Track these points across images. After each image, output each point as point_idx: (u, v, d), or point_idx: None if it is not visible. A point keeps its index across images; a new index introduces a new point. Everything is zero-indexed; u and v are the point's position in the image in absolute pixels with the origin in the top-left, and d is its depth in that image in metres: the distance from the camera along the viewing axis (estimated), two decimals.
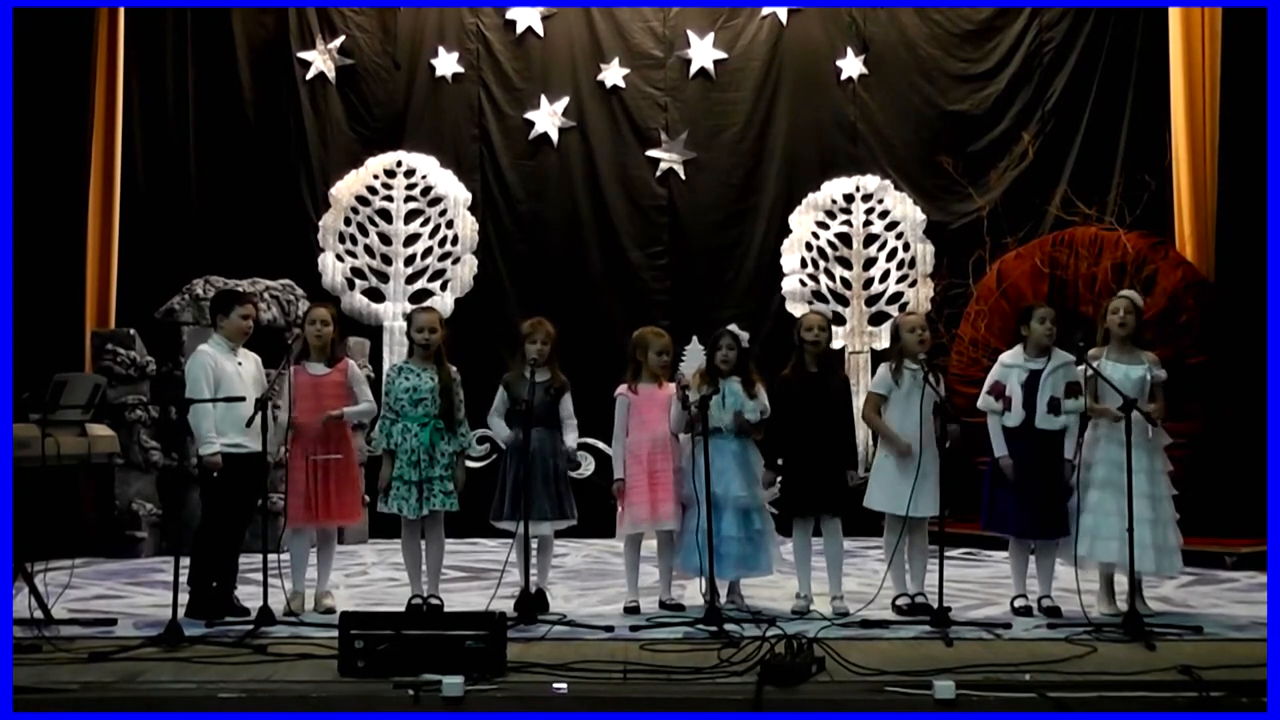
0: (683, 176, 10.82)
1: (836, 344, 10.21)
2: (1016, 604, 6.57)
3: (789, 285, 10.70)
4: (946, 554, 6.26)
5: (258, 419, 6.15)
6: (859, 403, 7.31)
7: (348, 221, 10.69)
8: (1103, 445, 6.44)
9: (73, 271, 10.00)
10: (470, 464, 6.98)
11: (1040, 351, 6.61)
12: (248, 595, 6.55)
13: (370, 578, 8.09)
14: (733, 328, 6.70)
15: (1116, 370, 6.45)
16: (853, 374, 10.45)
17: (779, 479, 6.65)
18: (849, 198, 10.81)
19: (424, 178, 10.74)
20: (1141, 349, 6.66)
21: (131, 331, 9.41)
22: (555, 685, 4.86)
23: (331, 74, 10.75)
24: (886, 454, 6.61)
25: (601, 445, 9.34)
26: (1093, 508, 6.41)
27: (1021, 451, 6.56)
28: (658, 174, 10.82)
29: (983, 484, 6.75)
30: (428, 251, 10.70)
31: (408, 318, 7.05)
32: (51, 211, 9.83)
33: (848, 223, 10.80)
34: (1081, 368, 6.44)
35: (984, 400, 6.73)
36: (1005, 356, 6.78)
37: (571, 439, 6.79)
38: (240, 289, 8.84)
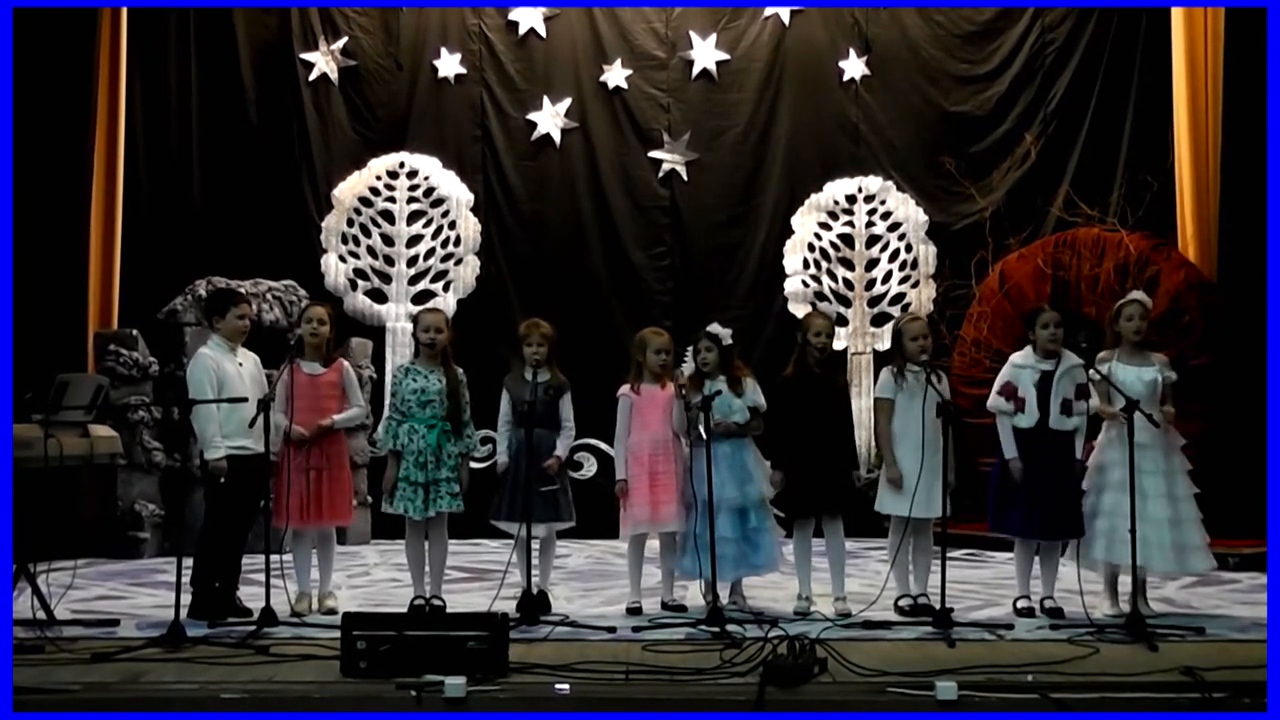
0: (685, 177, 10.81)
1: (839, 345, 10.19)
2: (1019, 605, 6.57)
3: (791, 286, 10.69)
4: (949, 555, 6.27)
5: (260, 419, 6.15)
6: (859, 404, 7.33)
7: (350, 222, 10.69)
8: (1115, 448, 6.43)
9: (75, 272, 10.02)
10: (472, 464, 6.97)
11: (1048, 354, 6.61)
12: (250, 596, 6.56)
13: (372, 579, 8.10)
14: (712, 328, 6.69)
15: (1128, 373, 6.45)
16: (855, 375, 10.46)
17: (783, 481, 6.64)
18: (851, 199, 10.80)
19: (426, 179, 10.74)
20: (1150, 350, 6.68)
21: (134, 332, 9.42)
22: (558, 686, 4.86)
23: (334, 75, 10.75)
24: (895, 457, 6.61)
25: (603, 446, 9.35)
26: (1109, 510, 6.41)
27: (1035, 453, 6.55)
28: (660, 175, 10.82)
29: (989, 485, 6.75)
30: (430, 252, 10.70)
31: (413, 319, 7.05)
32: (54, 212, 9.86)
33: (850, 224, 10.79)
34: (1089, 372, 6.43)
35: (994, 401, 6.71)
36: (1016, 357, 6.76)
37: (563, 446, 6.76)
38: (239, 288, 8.83)
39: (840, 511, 6.68)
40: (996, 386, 6.76)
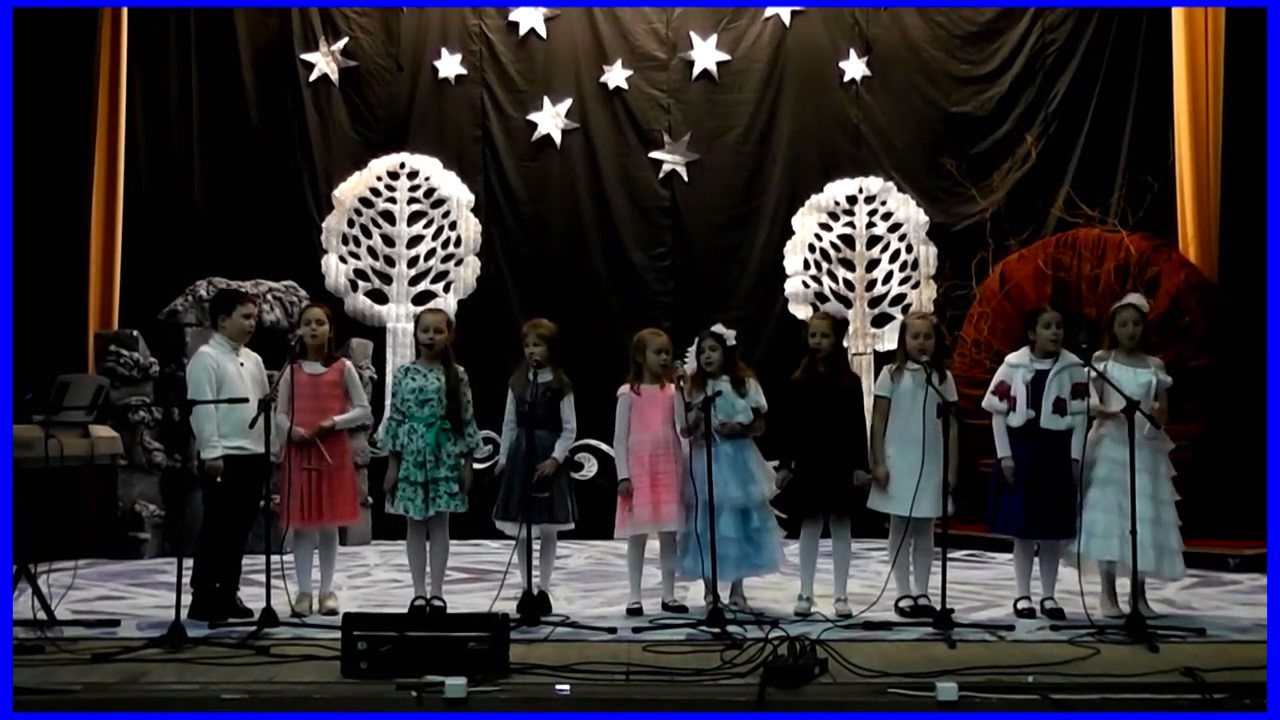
0: (685, 178, 10.81)
1: None
2: (1019, 605, 6.58)
3: (792, 287, 10.69)
4: (950, 556, 6.27)
5: (260, 420, 6.14)
6: (870, 403, 7.33)
7: (351, 223, 10.69)
8: (1105, 444, 6.45)
9: (76, 272, 10.03)
10: (475, 465, 6.97)
11: (1047, 354, 6.62)
12: (250, 596, 6.56)
13: (373, 579, 8.10)
14: (716, 328, 6.70)
15: (1125, 373, 6.46)
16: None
17: (788, 478, 6.64)
18: (852, 199, 10.79)
19: (427, 179, 10.74)
20: (1147, 352, 6.69)
21: (135, 333, 9.42)
22: (558, 686, 4.86)
23: (335, 76, 10.75)
24: (889, 455, 6.61)
25: (604, 446, 9.34)
26: (1092, 505, 6.43)
27: (1026, 452, 6.56)
28: (660, 176, 10.81)
29: (988, 485, 6.76)
30: (431, 253, 10.70)
31: (415, 319, 7.06)
32: (54, 212, 9.87)
33: (850, 224, 10.79)
34: (1086, 370, 6.44)
35: (989, 400, 6.74)
36: (1012, 357, 6.79)
37: (561, 448, 6.74)
38: (242, 289, 8.85)
39: (848, 513, 6.68)
40: (992, 386, 6.79)
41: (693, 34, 10.81)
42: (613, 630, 6.04)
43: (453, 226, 10.72)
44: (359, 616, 5.22)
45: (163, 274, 10.03)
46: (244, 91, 10.67)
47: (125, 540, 8.97)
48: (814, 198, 10.78)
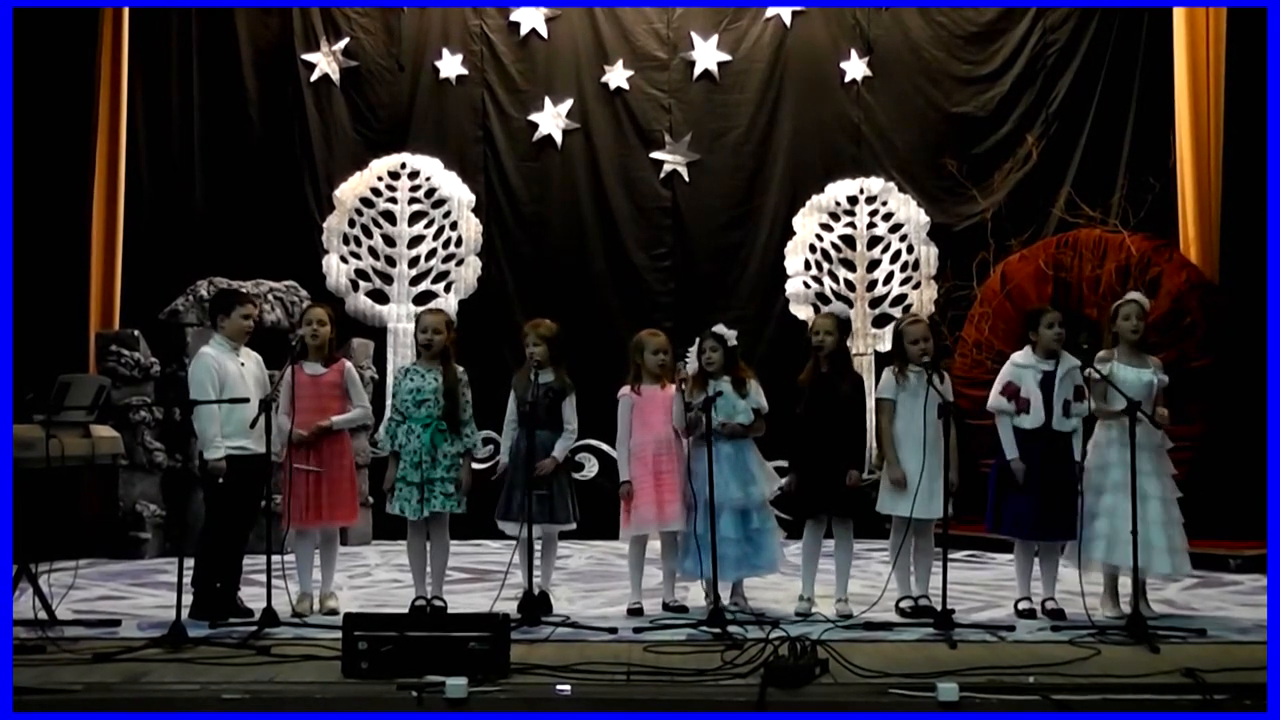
0: (686, 178, 10.81)
1: None
2: (1020, 606, 6.57)
3: (792, 287, 10.69)
4: (950, 556, 6.27)
5: (261, 420, 6.14)
6: (872, 405, 7.34)
7: (352, 223, 10.70)
8: (1115, 449, 6.42)
9: (77, 272, 10.04)
10: (474, 465, 6.96)
11: (1049, 354, 6.61)
12: (251, 596, 6.56)
13: (374, 579, 8.10)
14: (717, 328, 6.69)
15: (1129, 373, 6.45)
16: None
17: (792, 479, 6.65)
18: (853, 200, 10.79)
19: (428, 179, 10.75)
20: (1146, 352, 6.68)
21: (136, 333, 9.42)
22: (559, 687, 4.86)
23: (336, 76, 10.76)
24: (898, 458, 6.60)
25: (605, 447, 9.35)
26: (1108, 511, 6.40)
27: (1037, 454, 6.54)
28: (661, 176, 10.82)
29: (988, 486, 6.74)
30: (431, 253, 10.71)
31: (415, 319, 7.06)
32: (56, 212, 9.88)
33: (851, 225, 10.79)
34: (1086, 371, 6.43)
35: (995, 400, 6.70)
36: (1018, 357, 6.76)
37: (561, 448, 6.72)
38: (243, 289, 8.85)
39: (851, 514, 6.68)
40: (997, 387, 6.74)
41: (694, 34, 10.82)
42: (613, 630, 6.03)
43: (454, 227, 10.73)
44: (360, 616, 5.22)
45: (164, 274, 10.04)
46: (245, 92, 10.68)
47: (126, 540, 8.97)
48: (815, 198, 10.79)
